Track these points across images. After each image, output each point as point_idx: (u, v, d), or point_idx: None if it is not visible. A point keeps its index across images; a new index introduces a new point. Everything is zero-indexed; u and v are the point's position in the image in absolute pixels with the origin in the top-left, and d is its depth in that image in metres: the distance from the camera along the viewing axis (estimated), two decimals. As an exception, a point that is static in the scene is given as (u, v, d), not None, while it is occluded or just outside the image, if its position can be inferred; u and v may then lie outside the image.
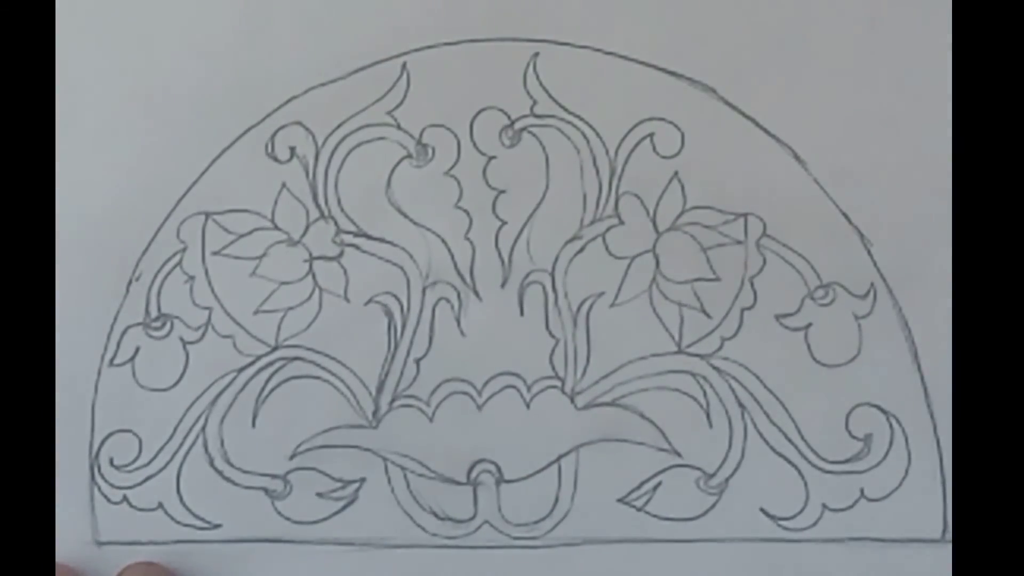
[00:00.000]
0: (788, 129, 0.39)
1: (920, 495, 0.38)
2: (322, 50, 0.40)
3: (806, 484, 0.38)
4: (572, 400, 0.39)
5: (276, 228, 0.40)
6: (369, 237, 0.40)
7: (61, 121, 0.40)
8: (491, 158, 0.40)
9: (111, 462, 0.40)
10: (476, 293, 0.40)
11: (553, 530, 0.39)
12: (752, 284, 0.39)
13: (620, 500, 0.39)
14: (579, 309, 0.39)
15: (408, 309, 0.40)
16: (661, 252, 0.39)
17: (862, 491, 0.38)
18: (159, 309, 0.40)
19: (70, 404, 0.39)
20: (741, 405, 0.39)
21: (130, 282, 0.40)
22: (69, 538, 0.39)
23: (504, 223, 0.40)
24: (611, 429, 0.39)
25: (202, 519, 0.39)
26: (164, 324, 0.40)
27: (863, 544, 0.38)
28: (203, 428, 0.39)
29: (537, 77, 0.39)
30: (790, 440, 0.38)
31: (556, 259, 0.39)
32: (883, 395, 0.38)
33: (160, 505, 0.40)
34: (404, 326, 0.39)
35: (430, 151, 0.40)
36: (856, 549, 0.38)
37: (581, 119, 0.39)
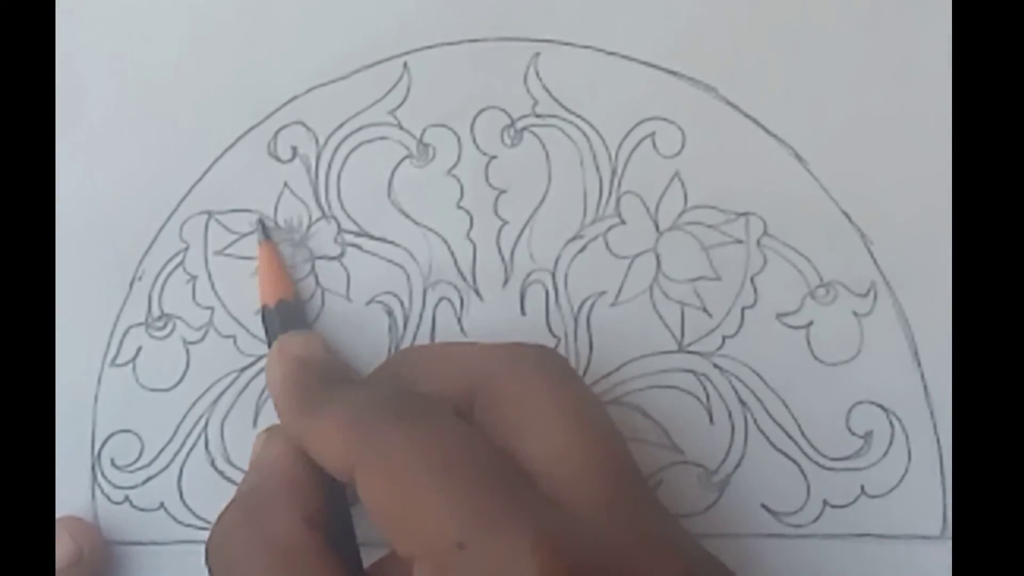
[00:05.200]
0: (789, 128, 0.39)
1: (920, 492, 0.38)
2: (323, 50, 0.40)
3: (807, 481, 0.38)
4: (573, 399, 0.39)
5: (278, 227, 0.40)
6: (371, 237, 0.40)
7: (61, 120, 0.39)
8: (492, 158, 0.40)
9: (112, 462, 0.39)
10: (477, 293, 0.40)
11: (554, 528, 0.39)
12: (753, 283, 0.39)
13: (622, 498, 0.39)
14: (580, 308, 0.39)
15: (410, 309, 0.40)
16: (662, 251, 0.39)
17: (862, 488, 0.38)
18: (161, 309, 0.40)
19: (71, 405, 0.39)
20: (742, 402, 0.39)
21: (132, 282, 0.40)
22: (70, 539, 0.39)
23: (505, 223, 0.40)
24: (612, 427, 0.39)
25: (204, 519, 0.39)
26: (166, 324, 0.40)
27: (863, 540, 0.38)
28: (205, 428, 0.39)
29: (538, 77, 0.39)
30: (791, 437, 0.39)
31: (557, 259, 0.39)
32: (883, 393, 0.38)
33: (162, 505, 0.39)
34: (406, 326, 0.39)
35: (431, 151, 0.40)
36: (856, 545, 0.38)
37: (582, 119, 0.39)
